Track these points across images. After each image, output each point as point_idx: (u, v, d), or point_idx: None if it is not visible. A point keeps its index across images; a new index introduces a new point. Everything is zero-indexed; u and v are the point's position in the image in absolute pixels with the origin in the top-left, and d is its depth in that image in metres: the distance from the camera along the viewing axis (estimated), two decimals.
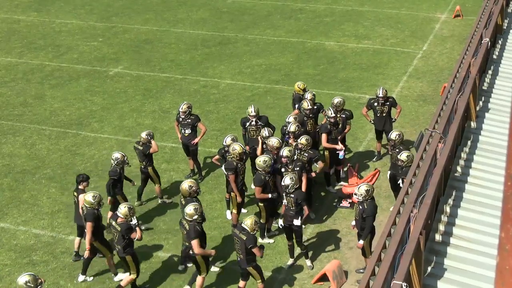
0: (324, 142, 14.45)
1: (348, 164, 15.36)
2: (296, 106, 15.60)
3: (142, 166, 14.23)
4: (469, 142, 11.59)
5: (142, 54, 23.28)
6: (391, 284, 7.29)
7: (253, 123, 14.53)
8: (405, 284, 7.21)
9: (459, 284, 8.12)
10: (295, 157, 13.22)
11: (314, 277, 12.10)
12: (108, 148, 16.92)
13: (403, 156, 12.64)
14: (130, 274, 11.77)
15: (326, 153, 14.62)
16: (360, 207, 11.57)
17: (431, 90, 19.75)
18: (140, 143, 14.21)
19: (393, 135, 13.48)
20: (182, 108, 14.97)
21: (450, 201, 9.80)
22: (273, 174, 12.91)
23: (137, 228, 11.47)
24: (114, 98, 19.86)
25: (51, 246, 13.29)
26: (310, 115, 14.84)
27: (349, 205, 14.18)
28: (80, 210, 12.17)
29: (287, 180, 12.01)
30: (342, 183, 15.06)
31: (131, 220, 11.41)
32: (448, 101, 11.56)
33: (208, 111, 18.69)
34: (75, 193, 12.64)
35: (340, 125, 14.71)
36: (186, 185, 12.05)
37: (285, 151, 12.95)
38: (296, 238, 12.30)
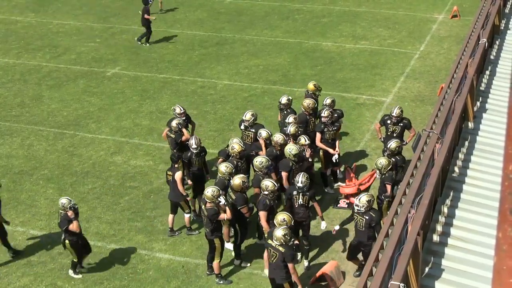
0: (317, 141, 14.52)
1: (345, 165, 15.36)
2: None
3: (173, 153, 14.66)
4: (466, 143, 11.59)
5: (140, 55, 23.27)
6: (389, 285, 7.29)
7: (242, 127, 14.63)
8: (403, 284, 7.22)
9: (457, 285, 8.12)
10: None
11: (312, 278, 12.10)
12: (105, 149, 16.91)
13: (380, 161, 12.79)
14: (214, 259, 12.09)
15: (321, 153, 14.68)
16: (367, 217, 11.42)
17: (429, 91, 19.77)
18: (172, 131, 14.63)
19: (393, 145, 13.32)
20: (182, 110, 15.10)
21: (448, 201, 9.80)
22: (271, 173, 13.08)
23: (227, 208, 11.79)
24: (112, 99, 19.85)
25: (48, 247, 13.27)
26: (312, 114, 14.99)
27: (347, 205, 14.19)
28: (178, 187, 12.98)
29: (303, 180, 12.13)
30: (339, 183, 15.07)
31: (220, 201, 11.77)
32: (446, 102, 11.56)
33: (205, 111, 18.69)
34: (170, 172, 13.25)
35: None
36: (239, 180, 12.26)
37: (293, 150, 13.05)
38: (303, 232, 12.51)
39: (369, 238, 11.56)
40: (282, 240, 10.62)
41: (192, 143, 13.78)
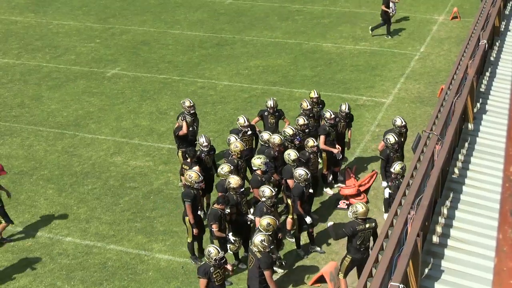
0: (321, 144, 14.49)
1: (346, 167, 15.37)
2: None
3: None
4: (466, 144, 11.59)
5: (140, 56, 23.27)
6: (388, 286, 7.28)
7: (247, 133, 14.41)
8: (402, 285, 7.21)
9: (457, 286, 8.12)
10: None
11: (311, 279, 12.10)
12: (105, 149, 16.90)
13: (397, 167, 12.67)
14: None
15: (324, 154, 14.66)
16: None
17: (429, 92, 19.77)
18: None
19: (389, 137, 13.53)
20: (191, 103, 15.04)
21: (448, 202, 9.80)
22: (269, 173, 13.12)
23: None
24: (112, 99, 19.85)
25: (48, 247, 13.27)
26: (310, 114, 14.97)
27: (346, 206, 14.19)
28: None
29: (307, 171, 12.38)
30: (339, 184, 15.08)
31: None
32: (446, 103, 11.56)
33: (205, 112, 18.68)
34: (185, 166, 13.44)
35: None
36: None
37: (292, 155, 13.00)
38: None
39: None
40: (259, 247, 10.39)
41: (203, 141, 13.73)
